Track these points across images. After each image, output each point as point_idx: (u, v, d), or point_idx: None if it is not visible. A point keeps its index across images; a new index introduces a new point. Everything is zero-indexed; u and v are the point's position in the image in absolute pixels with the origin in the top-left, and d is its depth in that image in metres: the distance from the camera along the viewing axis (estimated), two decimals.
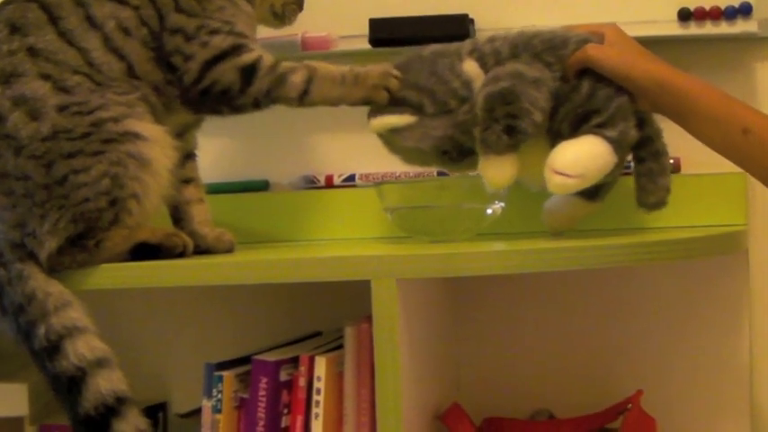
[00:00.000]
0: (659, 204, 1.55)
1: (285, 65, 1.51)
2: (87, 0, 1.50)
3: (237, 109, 1.53)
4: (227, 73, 1.50)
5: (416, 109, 1.52)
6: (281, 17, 1.64)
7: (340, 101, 1.52)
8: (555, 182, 1.46)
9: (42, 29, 1.48)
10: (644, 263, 1.47)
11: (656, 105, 1.49)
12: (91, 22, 1.49)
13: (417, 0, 1.81)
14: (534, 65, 1.50)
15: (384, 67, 1.53)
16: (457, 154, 1.54)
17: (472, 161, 1.52)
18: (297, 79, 1.50)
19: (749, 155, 1.42)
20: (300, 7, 1.67)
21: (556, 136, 1.51)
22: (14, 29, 1.48)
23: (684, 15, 1.76)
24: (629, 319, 1.78)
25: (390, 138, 1.56)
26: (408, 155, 1.59)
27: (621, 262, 1.43)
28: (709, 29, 1.76)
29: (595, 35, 1.53)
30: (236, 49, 1.51)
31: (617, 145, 1.48)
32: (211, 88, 1.50)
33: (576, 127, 1.49)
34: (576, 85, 1.50)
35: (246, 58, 1.51)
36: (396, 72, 1.53)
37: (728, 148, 1.44)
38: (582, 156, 1.47)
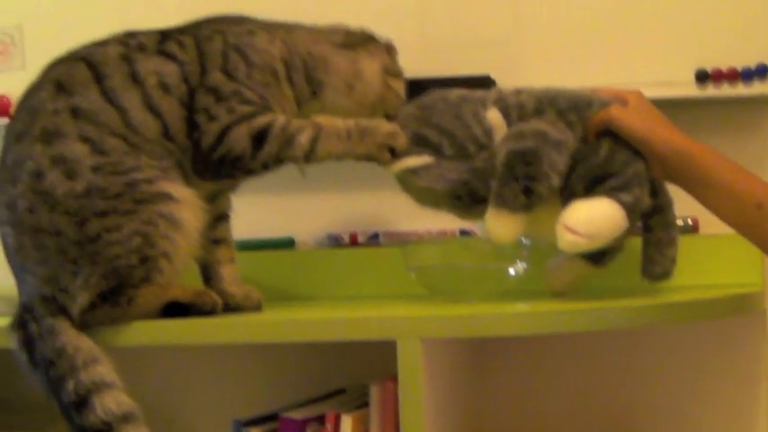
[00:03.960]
0: (665, 276, 1.55)
1: (294, 124, 1.52)
2: (135, 56, 1.53)
3: (249, 173, 1.54)
4: (240, 139, 1.51)
5: (435, 149, 1.52)
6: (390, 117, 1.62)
7: (344, 156, 1.53)
8: (566, 239, 1.46)
9: (87, 88, 1.50)
10: (663, 324, 1.49)
11: (671, 174, 1.50)
12: (134, 78, 1.51)
13: (440, 61, 1.85)
14: (558, 124, 1.51)
15: (392, 127, 1.54)
16: (470, 200, 1.53)
17: (483, 209, 1.51)
18: (303, 139, 1.51)
19: (762, 229, 1.43)
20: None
21: (569, 194, 1.50)
22: (60, 88, 1.50)
23: (702, 77, 1.79)
24: (647, 378, 1.79)
25: (405, 177, 1.55)
26: (421, 195, 1.58)
27: (641, 323, 1.45)
28: (726, 90, 1.79)
29: (619, 99, 1.54)
30: (252, 114, 1.52)
31: (630, 210, 1.48)
32: (227, 155, 1.51)
33: (591, 188, 1.50)
34: (595, 147, 1.51)
35: (260, 121, 1.52)
36: (402, 133, 1.53)
37: (742, 222, 1.45)
38: (595, 216, 1.47)
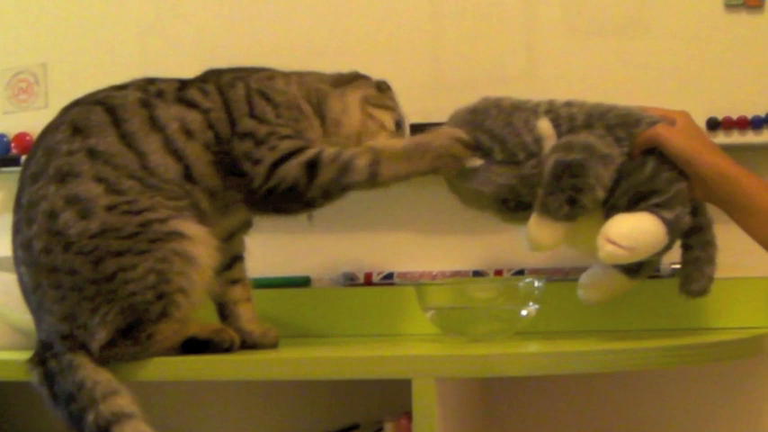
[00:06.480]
0: (702, 292, 1.57)
1: (348, 151, 1.53)
2: (154, 101, 1.55)
3: (308, 203, 1.55)
4: (292, 170, 1.51)
5: (486, 153, 1.54)
6: None
7: (410, 175, 1.53)
8: (607, 250, 1.48)
9: (104, 131, 1.51)
10: (675, 365, 1.50)
11: (713, 196, 1.53)
12: (153, 123, 1.53)
13: (455, 103, 1.85)
14: (606, 139, 1.53)
15: (449, 135, 1.54)
16: (515, 206, 1.56)
17: (527, 215, 1.54)
18: (362, 163, 1.51)
19: None
20: None
21: (612, 208, 1.53)
22: (77, 130, 1.51)
23: (713, 125, 1.81)
24: (657, 419, 1.80)
25: (453, 177, 1.58)
26: (467, 196, 1.60)
27: (652, 365, 1.46)
28: (736, 138, 1.81)
29: (667, 119, 1.57)
30: (300, 149, 1.54)
31: (671, 227, 1.50)
32: (277, 187, 1.52)
33: (634, 203, 1.52)
34: (641, 164, 1.53)
35: (309, 153, 1.53)
36: (463, 136, 1.54)
37: None
38: (637, 229, 1.49)
